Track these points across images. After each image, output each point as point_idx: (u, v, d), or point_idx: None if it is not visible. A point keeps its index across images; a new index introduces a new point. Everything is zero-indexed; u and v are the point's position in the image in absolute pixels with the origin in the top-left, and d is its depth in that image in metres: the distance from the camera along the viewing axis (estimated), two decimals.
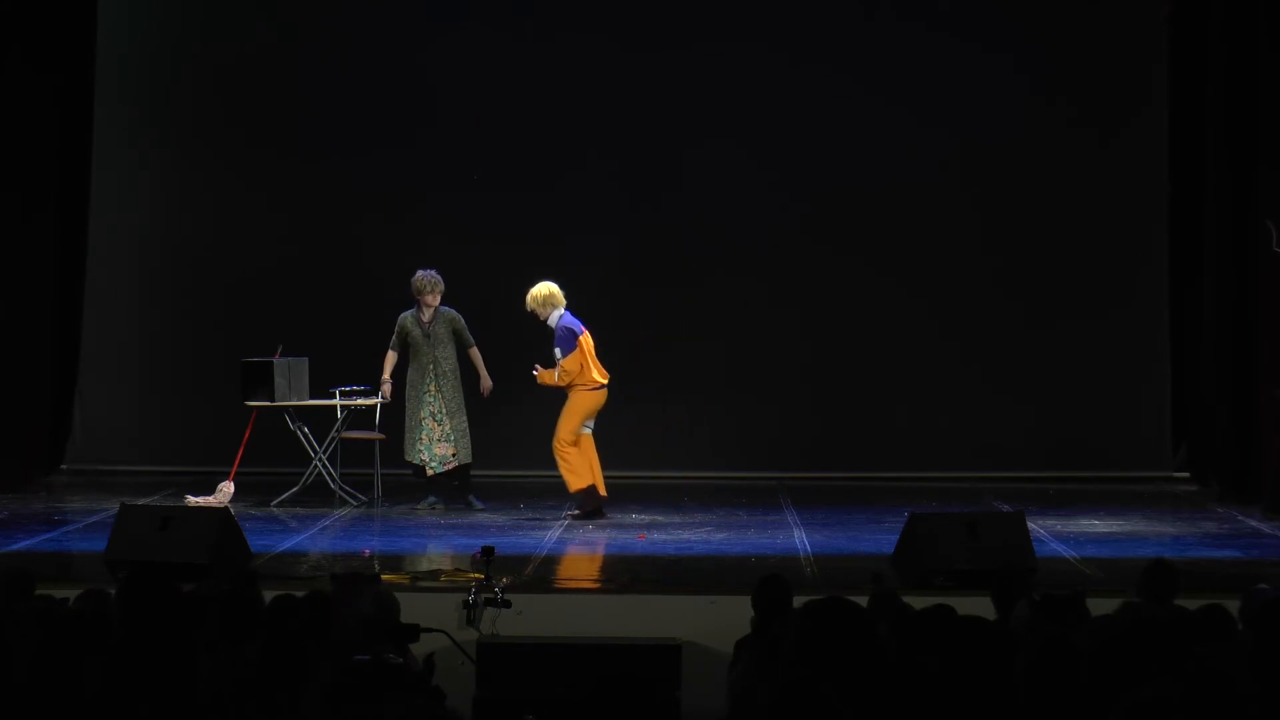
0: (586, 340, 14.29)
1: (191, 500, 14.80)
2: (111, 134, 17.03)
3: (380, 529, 13.87)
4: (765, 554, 12.52)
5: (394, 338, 14.92)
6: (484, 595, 10.57)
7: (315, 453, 15.11)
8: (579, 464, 14.22)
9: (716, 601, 10.49)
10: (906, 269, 16.96)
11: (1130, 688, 5.97)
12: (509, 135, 16.93)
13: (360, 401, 15.10)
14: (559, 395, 14.36)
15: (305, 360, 15.24)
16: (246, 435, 15.05)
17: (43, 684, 6.58)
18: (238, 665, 6.88)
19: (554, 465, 14.30)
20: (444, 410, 14.79)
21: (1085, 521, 14.06)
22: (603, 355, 14.46)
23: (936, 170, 16.95)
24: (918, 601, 7.83)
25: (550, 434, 14.27)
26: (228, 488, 15.07)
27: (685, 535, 13.49)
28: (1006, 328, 17.00)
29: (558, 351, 14.21)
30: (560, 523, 13.99)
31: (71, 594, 8.17)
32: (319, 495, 14.98)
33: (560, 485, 14.39)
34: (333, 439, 15.14)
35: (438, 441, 14.80)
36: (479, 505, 14.71)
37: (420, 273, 14.79)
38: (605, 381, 14.32)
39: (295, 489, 15.02)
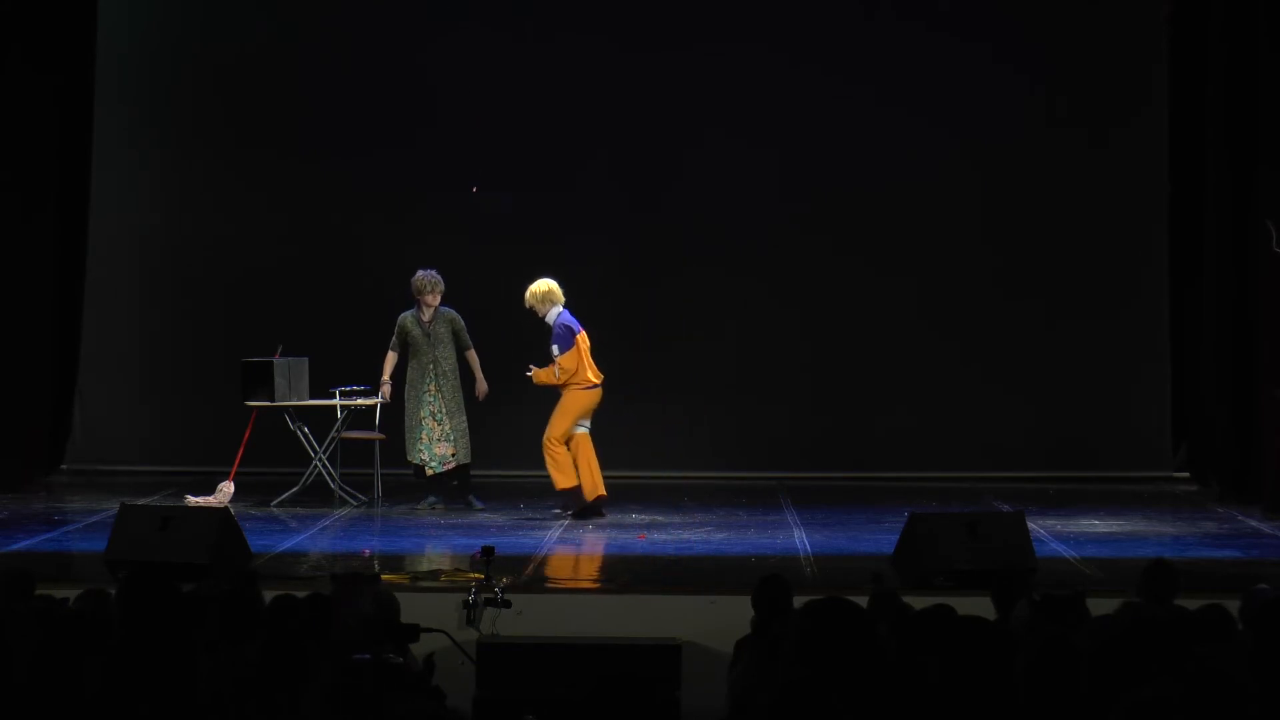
0: (583, 339, 14.29)
1: (191, 500, 14.80)
2: (111, 134, 17.02)
3: (380, 529, 13.87)
4: (765, 554, 12.51)
5: (394, 338, 14.92)
6: (484, 595, 10.57)
7: (315, 453, 15.11)
8: (566, 463, 14.22)
9: (716, 601, 10.49)
10: (906, 269, 16.96)
11: (1130, 688, 5.97)
12: (509, 135, 16.93)
13: (360, 402, 15.10)
14: (559, 395, 14.35)
15: (305, 360, 15.24)
16: (246, 435, 15.05)
17: (43, 684, 6.58)
18: (238, 665, 6.88)
19: None
20: (444, 410, 14.78)
21: (1085, 521, 14.06)
22: (603, 355, 14.46)
23: (936, 170, 16.94)
24: (918, 601, 7.84)
25: None
26: (228, 488, 15.07)
27: (685, 535, 13.49)
28: (1006, 328, 16.99)
29: (555, 349, 14.21)
30: (560, 523, 14.00)
31: (71, 594, 8.17)
32: (319, 495, 14.98)
33: None
34: (333, 439, 15.14)
35: (438, 441, 14.80)
36: (479, 505, 14.71)
37: (420, 272, 14.79)
38: (598, 381, 14.32)
39: (295, 489, 15.01)
